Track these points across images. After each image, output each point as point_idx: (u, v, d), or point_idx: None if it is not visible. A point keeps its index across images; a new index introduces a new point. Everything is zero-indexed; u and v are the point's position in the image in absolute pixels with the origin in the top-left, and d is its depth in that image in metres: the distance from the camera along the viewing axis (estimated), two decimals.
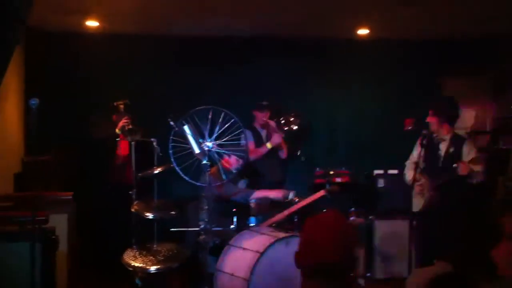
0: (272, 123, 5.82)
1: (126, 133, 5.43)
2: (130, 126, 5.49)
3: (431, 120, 4.90)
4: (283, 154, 6.03)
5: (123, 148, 5.64)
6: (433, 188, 4.77)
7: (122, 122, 5.56)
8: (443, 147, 4.89)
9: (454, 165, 4.64)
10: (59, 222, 4.83)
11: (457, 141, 4.87)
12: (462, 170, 4.58)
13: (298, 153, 5.57)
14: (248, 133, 5.72)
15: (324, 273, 1.96)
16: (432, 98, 6.28)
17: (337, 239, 1.98)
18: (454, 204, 4.69)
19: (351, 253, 2.02)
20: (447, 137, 4.88)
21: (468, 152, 4.78)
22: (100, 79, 6.35)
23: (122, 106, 5.70)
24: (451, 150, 4.83)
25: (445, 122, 4.88)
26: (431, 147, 4.88)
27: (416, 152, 5.00)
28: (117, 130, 5.56)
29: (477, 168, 4.67)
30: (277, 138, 5.78)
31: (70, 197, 5.40)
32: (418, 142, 4.94)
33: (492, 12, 5.63)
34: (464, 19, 5.91)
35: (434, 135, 4.91)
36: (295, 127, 5.76)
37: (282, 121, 5.81)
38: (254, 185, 5.60)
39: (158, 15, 5.73)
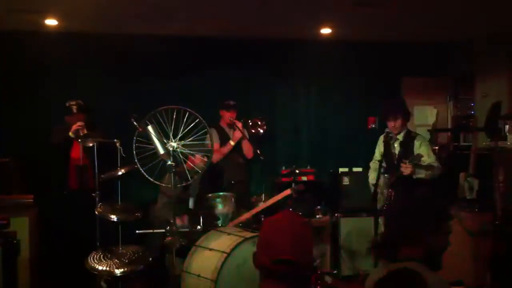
0: (239, 123, 5.83)
1: (80, 137, 5.06)
2: (85, 131, 5.14)
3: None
4: (249, 154, 6.03)
5: (74, 152, 5.30)
6: (389, 185, 4.96)
7: (76, 125, 5.17)
8: (397, 145, 5.13)
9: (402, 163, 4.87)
10: (20, 226, 4.73)
11: (408, 138, 5.11)
12: (404, 170, 4.81)
13: (258, 151, 5.58)
14: (214, 132, 5.71)
15: (280, 273, 1.95)
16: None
17: (292, 239, 1.96)
18: (405, 200, 4.85)
19: (308, 253, 2.01)
20: (401, 135, 5.12)
21: (419, 146, 5.00)
22: (59, 79, 6.18)
23: (75, 107, 5.29)
24: (403, 147, 5.06)
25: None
26: (388, 146, 5.11)
27: (378, 152, 5.25)
28: (70, 134, 5.19)
29: (428, 160, 4.90)
30: (237, 134, 5.84)
31: (31, 200, 5.28)
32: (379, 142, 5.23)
33: (450, 17, 5.75)
34: (423, 23, 6.02)
35: (390, 133, 5.13)
36: (261, 131, 5.84)
37: (250, 123, 5.87)
38: (215, 185, 5.58)
39: (118, 15, 5.61)
